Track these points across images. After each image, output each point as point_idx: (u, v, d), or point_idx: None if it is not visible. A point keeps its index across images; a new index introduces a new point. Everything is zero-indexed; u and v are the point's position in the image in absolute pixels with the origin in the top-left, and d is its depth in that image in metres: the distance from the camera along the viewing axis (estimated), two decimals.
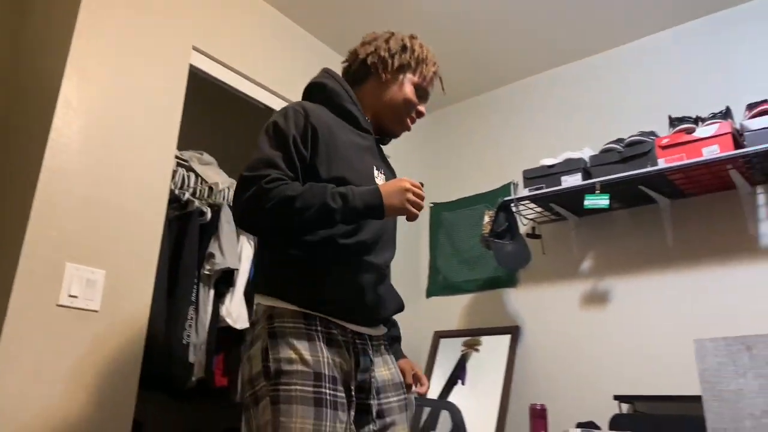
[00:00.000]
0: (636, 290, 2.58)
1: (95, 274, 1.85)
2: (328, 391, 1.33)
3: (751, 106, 2.27)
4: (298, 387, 1.30)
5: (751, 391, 1.78)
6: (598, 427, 2.24)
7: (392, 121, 1.66)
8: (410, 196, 1.41)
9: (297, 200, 1.33)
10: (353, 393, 1.41)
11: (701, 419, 1.90)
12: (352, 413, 1.39)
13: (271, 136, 1.45)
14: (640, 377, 2.45)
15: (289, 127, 1.45)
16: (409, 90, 1.63)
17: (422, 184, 1.48)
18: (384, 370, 1.53)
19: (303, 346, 1.34)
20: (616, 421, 2.19)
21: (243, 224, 1.42)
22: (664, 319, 2.47)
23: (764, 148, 2.10)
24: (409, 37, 1.68)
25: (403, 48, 1.64)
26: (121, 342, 1.87)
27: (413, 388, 1.71)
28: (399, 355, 1.71)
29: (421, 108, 1.68)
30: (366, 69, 1.64)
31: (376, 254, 1.53)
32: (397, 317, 1.70)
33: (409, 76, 1.64)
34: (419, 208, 1.43)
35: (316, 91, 1.63)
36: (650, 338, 2.48)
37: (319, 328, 1.39)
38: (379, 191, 1.40)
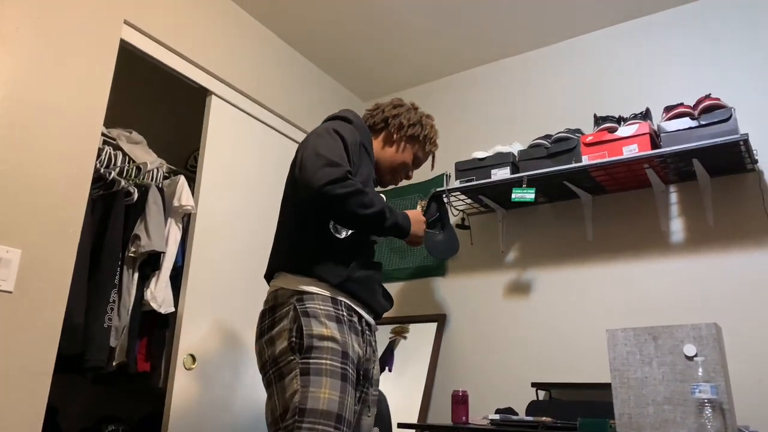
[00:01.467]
0: (556, 282, 2.69)
1: (10, 253, 1.77)
2: (350, 369, 1.49)
3: (668, 109, 2.39)
4: (328, 361, 1.44)
5: (655, 379, 1.90)
6: (516, 413, 2.33)
7: (384, 173, 1.92)
8: (423, 226, 1.77)
9: (367, 198, 1.56)
10: (361, 380, 1.60)
11: (610, 405, 2.01)
12: (358, 396, 1.60)
13: (336, 138, 1.64)
14: (558, 365, 2.56)
15: (347, 137, 1.67)
16: (408, 156, 1.92)
17: None
18: (376, 365, 1.73)
19: (334, 326, 1.50)
20: (532, 407, 2.28)
21: (316, 195, 1.50)
22: (580, 310, 2.59)
23: (678, 149, 2.23)
24: (427, 116, 1.98)
25: (420, 124, 1.93)
26: (36, 324, 1.81)
27: None
28: None
29: (411, 174, 1.97)
30: (385, 124, 1.92)
31: (377, 256, 1.79)
32: None
33: (414, 146, 1.93)
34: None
35: (347, 121, 1.81)
36: (568, 328, 2.59)
37: (344, 313, 1.55)
38: (409, 218, 1.71)
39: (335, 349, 1.46)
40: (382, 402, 2.62)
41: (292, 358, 1.45)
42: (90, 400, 2.81)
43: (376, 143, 1.92)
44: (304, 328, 1.47)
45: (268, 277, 1.67)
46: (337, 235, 1.63)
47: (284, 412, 1.41)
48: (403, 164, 1.92)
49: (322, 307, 1.52)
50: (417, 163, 1.97)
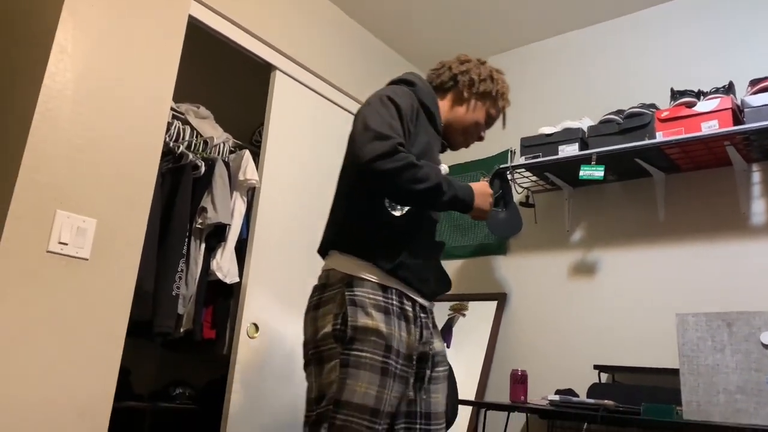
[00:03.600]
0: (624, 263, 2.59)
1: (86, 223, 1.85)
2: (394, 363, 1.45)
3: (754, 82, 2.24)
4: (369, 354, 1.41)
5: (727, 367, 1.81)
6: (576, 395, 2.28)
7: (456, 135, 1.81)
8: (490, 199, 1.65)
9: (420, 170, 1.46)
10: (414, 364, 1.54)
11: (677, 391, 1.93)
12: (410, 384, 1.53)
13: (389, 105, 1.55)
14: (622, 348, 2.48)
15: (402, 103, 1.58)
16: (480, 115, 1.79)
17: None
18: (438, 341, 1.67)
19: (380, 318, 1.45)
20: (594, 390, 2.22)
21: (366, 170, 1.44)
22: (649, 293, 2.48)
23: (763, 126, 2.08)
24: (497, 70, 1.84)
25: (491, 78, 1.80)
26: (110, 290, 1.89)
27: None
28: None
29: (483, 133, 1.84)
30: (454, 82, 1.78)
31: (436, 234, 1.71)
32: None
33: (486, 103, 1.79)
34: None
35: (405, 85, 1.73)
36: (634, 310, 2.50)
37: (394, 302, 1.50)
38: (472, 191, 1.60)
39: (378, 342, 1.42)
40: (450, 375, 2.53)
41: (334, 346, 1.43)
42: (160, 364, 2.95)
43: (444, 104, 1.79)
44: (349, 317, 1.43)
45: (322, 252, 1.63)
46: (393, 212, 1.56)
47: (319, 398, 1.42)
48: (476, 124, 1.79)
49: (371, 295, 1.47)
50: (489, 121, 1.83)
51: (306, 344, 1.52)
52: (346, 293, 1.46)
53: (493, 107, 1.81)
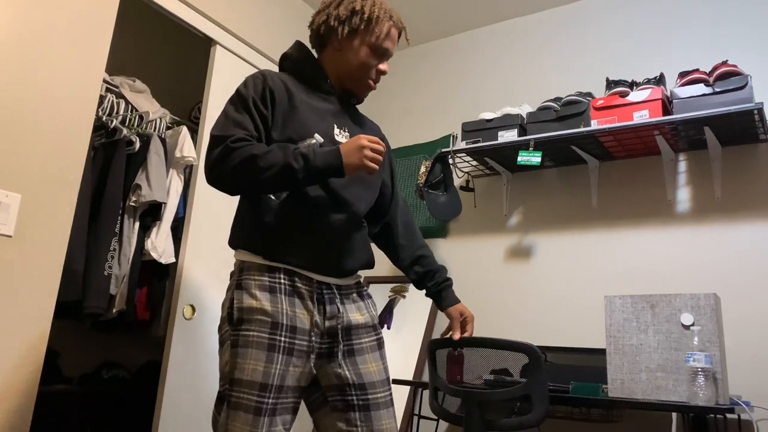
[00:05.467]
0: (558, 247, 2.67)
1: (9, 198, 1.77)
2: (283, 338, 1.46)
3: (682, 74, 2.33)
4: (255, 333, 1.44)
5: (650, 346, 1.90)
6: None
7: (353, 85, 1.67)
8: (367, 152, 1.48)
9: (260, 159, 1.42)
10: (319, 340, 1.53)
11: (605, 370, 2.02)
12: (313, 357, 1.52)
13: (235, 101, 1.54)
14: (555, 329, 2.57)
15: (248, 92, 1.54)
16: (363, 53, 1.63)
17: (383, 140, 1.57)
18: (357, 314, 1.61)
19: (264, 297, 1.47)
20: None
21: (210, 180, 1.47)
22: (580, 276, 2.58)
23: (689, 117, 2.17)
24: None
25: (353, 12, 1.62)
26: (35, 269, 1.82)
27: (452, 334, 1.85)
28: (449, 301, 1.83)
29: (382, 66, 1.68)
30: (320, 38, 1.66)
31: (344, 206, 1.59)
32: None
33: (361, 38, 1.63)
34: (378, 162, 1.49)
35: (284, 60, 1.71)
36: (567, 293, 2.59)
37: (282, 281, 1.50)
38: (339, 151, 1.47)
39: (263, 320, 1.45)
40: (534, 360, 2.21)
41: (227, 328, 1.50)
42: (91, 346, 2.85)
43: (326, 59, 1.67)
44: (235, 300, 1.49)
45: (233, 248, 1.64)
46: (273, 200, 1.53)
47: (221, 377, 1.49)
48: (361, 65, 1.63)
49: (256, 277, 1.49)
50: (381, 52, 1.64)
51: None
52: (237, 278, 1.52)
53: (372, 37, 1.62)
